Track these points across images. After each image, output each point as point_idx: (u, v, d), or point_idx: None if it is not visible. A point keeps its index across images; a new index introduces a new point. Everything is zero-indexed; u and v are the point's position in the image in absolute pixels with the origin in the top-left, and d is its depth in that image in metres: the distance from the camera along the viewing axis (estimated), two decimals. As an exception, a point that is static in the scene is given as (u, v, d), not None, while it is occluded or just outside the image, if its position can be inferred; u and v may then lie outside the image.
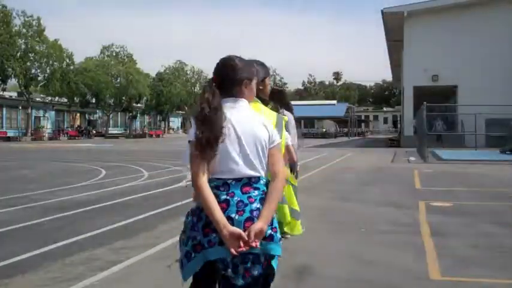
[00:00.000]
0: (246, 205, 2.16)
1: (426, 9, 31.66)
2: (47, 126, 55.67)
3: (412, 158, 19.28)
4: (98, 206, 8.45)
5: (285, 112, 5.64)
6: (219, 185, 2.19)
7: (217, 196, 2.15)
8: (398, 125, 58.11)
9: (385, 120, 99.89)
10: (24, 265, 4.83)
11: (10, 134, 49.24)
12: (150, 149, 30.46)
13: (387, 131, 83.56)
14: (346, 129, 72.49)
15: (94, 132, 61.65)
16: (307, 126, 69.39)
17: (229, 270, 2.15)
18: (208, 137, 2.14)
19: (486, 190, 10.27)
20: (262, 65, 3.29)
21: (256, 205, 2.16)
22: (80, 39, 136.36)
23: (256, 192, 2.20)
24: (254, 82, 2.39)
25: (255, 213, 2.15)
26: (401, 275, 4.41)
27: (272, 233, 2.20)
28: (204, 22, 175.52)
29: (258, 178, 2.23)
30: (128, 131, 66.57)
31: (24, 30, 48.63)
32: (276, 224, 2.25)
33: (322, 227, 6.60)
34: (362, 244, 5.60)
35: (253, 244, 2.08)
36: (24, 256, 5.12)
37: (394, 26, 32.65)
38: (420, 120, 22.42)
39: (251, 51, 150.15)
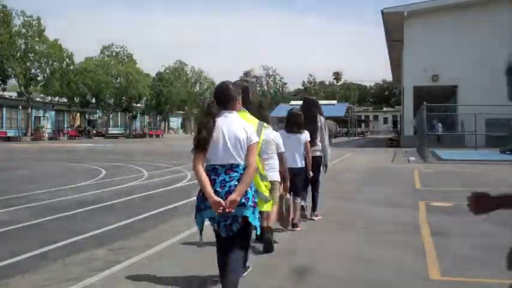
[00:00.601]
0: (227, 182, 3.28)
1: (426, 9, 31.63)
2: (47, 126, 55.65)
3: (412, 158, 19.27)
4: (98, 206, 8.46)
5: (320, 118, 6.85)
6: (211, 169, 3.34)
7: (209, 176, 3.30)
8: (398, 125, 58.06)
9: (385, 120, 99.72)
10: (24, 265, 4.82)
11: (10, 134, 49.24)
12: (150, 149, 30.47)
13: (387, 131, 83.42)
14: (346, 129, 72.45)
15: (94, 132, 61.67)
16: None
17: (215, 225, 3.36)
18: (201, 138, 3.30)
19: (486, 190, 10.22)
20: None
21: (234, 183, 3.28)
22: (80, 39, 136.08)
23: (235, 174, 3.31)
24: (240, 98, 3.56)
25: (232, 188, 3.25)
26: (401, 275, 4.41)
27: (244, 201, 3.28)
28: (204, 22, 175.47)
29: (238, 165, 3.32)
30: (128, 131, 66.59)
31: (24, 30, 48.66)
32: (249, 196, 3.32)
33: (322, 227, 6.61)
34: (362, 244, 5.60)
35: (227, 210, 3.19)
36: (24, 256, 5.12)
37: (394, 26, 32.63)
38: (420, 120, 22.41)
39: (251, 51, 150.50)
